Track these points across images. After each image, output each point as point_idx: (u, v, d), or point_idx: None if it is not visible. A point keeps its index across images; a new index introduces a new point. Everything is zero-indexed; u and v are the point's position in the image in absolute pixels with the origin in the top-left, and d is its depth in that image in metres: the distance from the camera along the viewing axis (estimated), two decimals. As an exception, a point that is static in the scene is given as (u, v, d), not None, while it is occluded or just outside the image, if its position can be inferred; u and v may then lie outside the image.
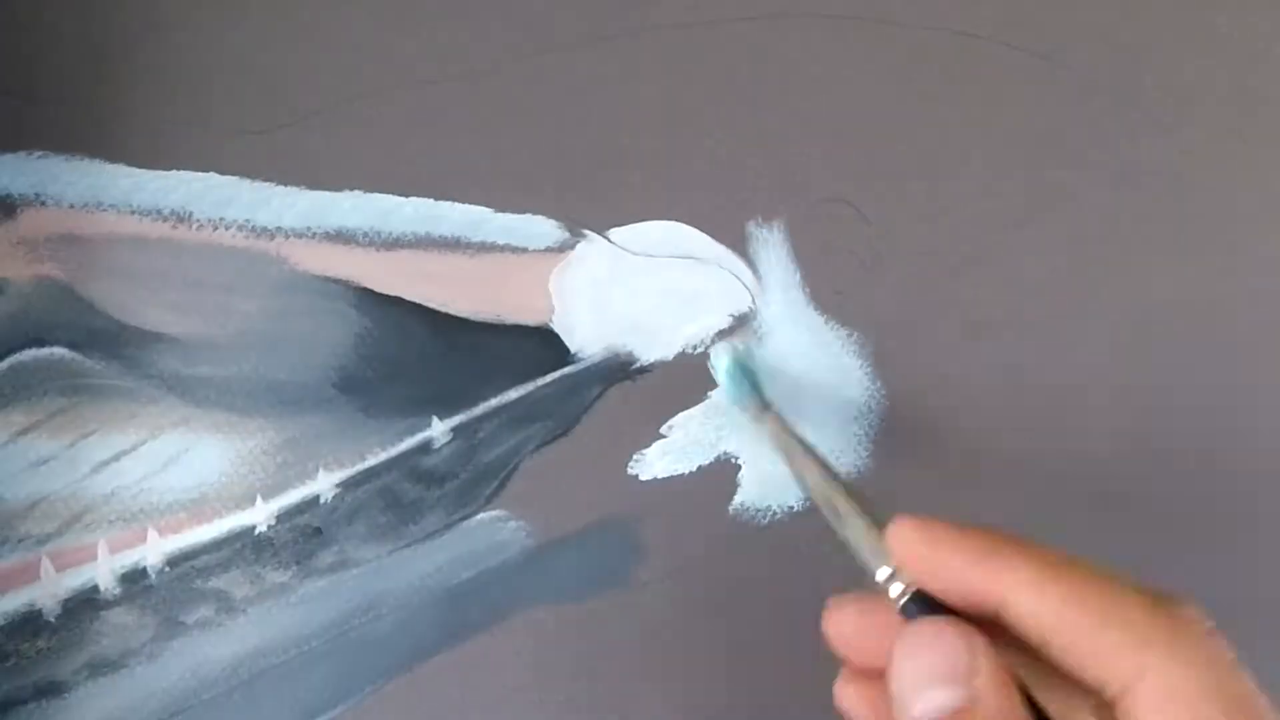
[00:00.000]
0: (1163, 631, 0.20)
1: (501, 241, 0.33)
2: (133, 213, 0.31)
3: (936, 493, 0.34)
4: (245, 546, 0.31)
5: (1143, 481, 0.34)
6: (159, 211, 0.32)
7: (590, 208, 0.33)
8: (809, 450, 0.28)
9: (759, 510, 0.33)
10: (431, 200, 0.33)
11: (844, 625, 0.25)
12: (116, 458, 0.31)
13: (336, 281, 0.32)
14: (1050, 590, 0.21)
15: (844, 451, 0.33)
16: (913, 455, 0.34)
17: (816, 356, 0.33)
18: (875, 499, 0.28)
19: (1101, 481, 0.34)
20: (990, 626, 0.22)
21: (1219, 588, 0.31)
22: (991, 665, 0.21)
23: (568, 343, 0.33)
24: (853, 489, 0.26)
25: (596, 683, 0.32)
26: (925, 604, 0.23)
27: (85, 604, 0.30)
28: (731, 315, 0.33)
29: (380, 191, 0.32)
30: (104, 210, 0.31)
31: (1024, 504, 0.34)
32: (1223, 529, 0.34)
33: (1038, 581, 0.21)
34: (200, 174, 0.32)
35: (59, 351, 0.31)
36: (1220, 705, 0.19)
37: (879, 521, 0.24)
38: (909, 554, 0.23)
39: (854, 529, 0.25)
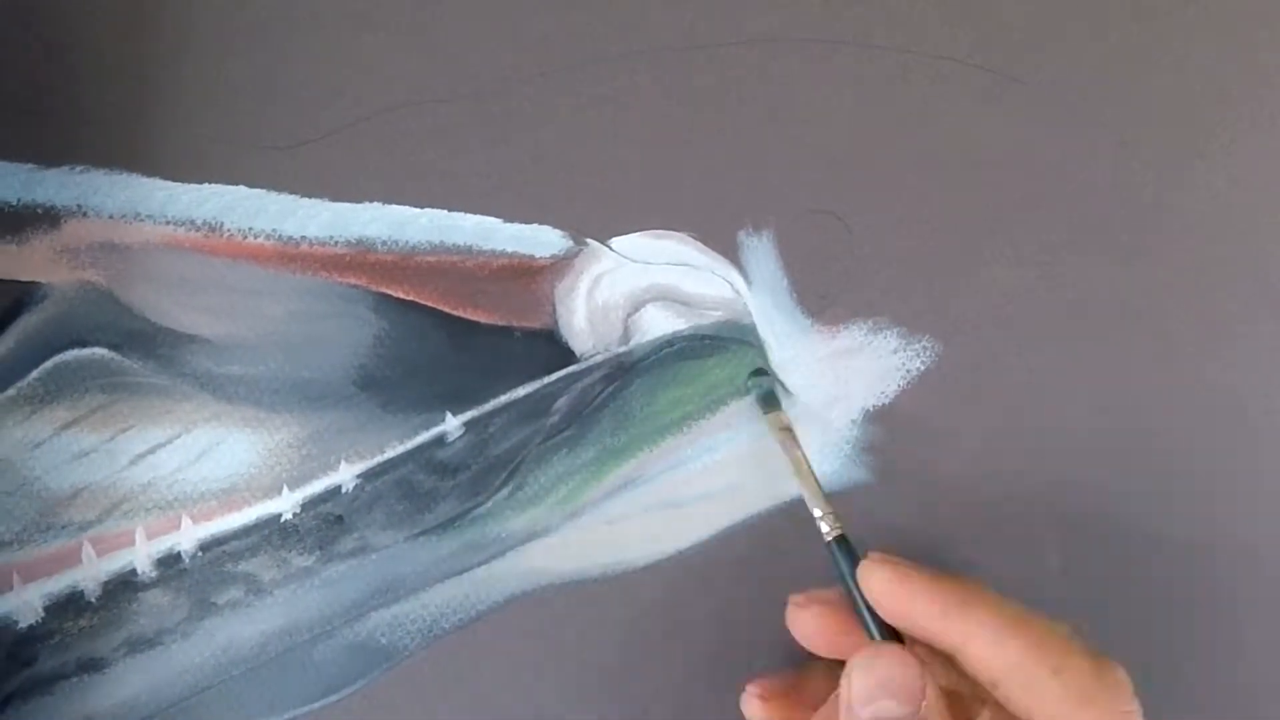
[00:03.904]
0: (1103, 693, 0.23)
1: (510, 249, 0.33)
2: (168, 223, 0.32)
3: (926, 495, 0.34)
4: (272, 533, 0.32)
5: (1123, 480, 0.35)
6: (192, 222, 0.32)
7: (593, 218, 0.34)
8: (804, 459, 0.31)
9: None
10: (445, 211, 0.33)
11: (805, 624, 0.28)
12: (153, 450, 0.32)
13: (357, 287, 0.33)
14: (1010, 644, 0.23)
15: (830, 452, 0.34)
16: (899, 459, 0.34)
17: (804, 355, 0.34)
18: (872, 504, 0.32)
19: (1086, 482, 0.35)
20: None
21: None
22: (936, 693, 0.24)
23: (571, 344, 0.34)
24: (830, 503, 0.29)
25: (599, 662, 0.33)
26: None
27: (124, 586, 0.31)
28: (724, 318, 0.34)
29: (398, 203, 0.33)
30: (141, 220, 0.32)
31: (1015, 505, 0.34)
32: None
33: (998, 637, 0.23)
34: (230, 187, 0.32)
35: (99, 351, 0.31)
36: None
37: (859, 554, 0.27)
38: (881, 593, 0.25)
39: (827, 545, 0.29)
